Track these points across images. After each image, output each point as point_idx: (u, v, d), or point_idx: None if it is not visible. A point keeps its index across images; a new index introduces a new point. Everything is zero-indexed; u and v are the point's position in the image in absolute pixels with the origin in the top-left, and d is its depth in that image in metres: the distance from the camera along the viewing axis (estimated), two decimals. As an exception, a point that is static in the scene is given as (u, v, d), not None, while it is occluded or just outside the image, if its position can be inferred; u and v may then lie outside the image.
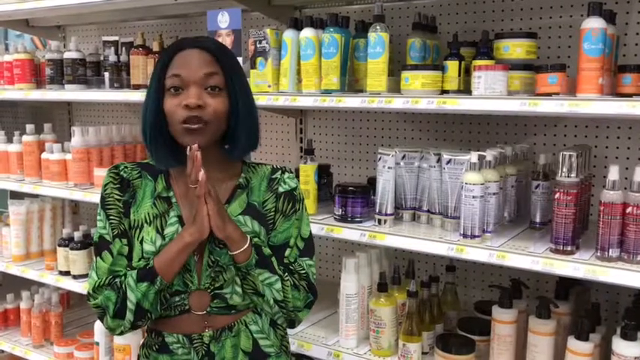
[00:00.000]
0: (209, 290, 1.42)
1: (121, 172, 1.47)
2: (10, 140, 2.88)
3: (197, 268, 1.42)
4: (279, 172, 1.53)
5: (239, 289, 1.43)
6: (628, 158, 1.92)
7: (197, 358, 1.43)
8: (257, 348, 1.47)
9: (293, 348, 2.07)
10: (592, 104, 1.48)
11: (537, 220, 1.83)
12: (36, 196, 2.85)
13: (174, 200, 1.45)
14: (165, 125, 1.39)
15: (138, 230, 1.42)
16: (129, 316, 1.38)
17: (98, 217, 1.46)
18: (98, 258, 1.42)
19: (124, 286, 1.37)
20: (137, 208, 1.44)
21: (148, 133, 1.41)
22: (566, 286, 1.85)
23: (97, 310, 1.42)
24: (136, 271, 1.38)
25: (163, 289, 1.38)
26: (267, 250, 1.42)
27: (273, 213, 1.47)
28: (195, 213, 1.35)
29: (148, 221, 1.42)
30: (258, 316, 1.48)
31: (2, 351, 3.10)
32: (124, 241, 1.43)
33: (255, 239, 1.42)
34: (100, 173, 2.50)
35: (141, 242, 1.41)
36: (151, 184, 1.47)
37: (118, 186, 1.45)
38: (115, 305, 1.38)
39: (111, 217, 1.44)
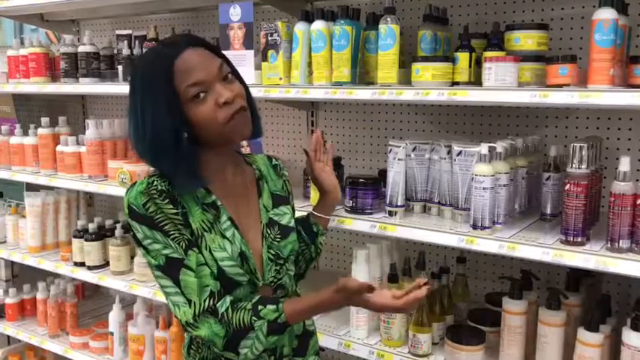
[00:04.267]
0: (272, 284, 1.45)
1: (158, 186, 1.34)
2: (25, 133, 2.92)
3: (257, 263, 1.42)
4: (273, 159, 1.62)
5: (291, 273, 1.52)
6: (640, 150, 1.91)
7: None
8: (304, 329, 1.54)
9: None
10: (603, 95, 1.48)
11: (548, 211, 1.83)
12: (51, 188, 2.88)
13: (219, 204, 1.40)
14: (186, 142, 1.32)
15: (202, 240, 1.35)
16: (249, 356, 1.34)
17: (147, 243, 1.33)
18: (181, 277, 1.32)
19: (237, 322, 1.31)
20: (192, 217, 1.36)
21: (170, 160, 1.32)
22: (577, 277, 1.85)
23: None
24: (265, 322, 1.31)
25: None
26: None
27: (287, 195, 1.59)
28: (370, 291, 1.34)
29: (207, 228, 1.36)
30: (297, 295, 1.54)
31: (19, 340, 3.16)
32: (196, 250, 1.34)
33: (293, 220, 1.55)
34: (114, 165, 2.53)
35: (210, 252, 1.35)
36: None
37: (166, 200, 1.33)
38: (224, 339, 1.32)
39: (171, 233, 1.32)
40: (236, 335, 1.31)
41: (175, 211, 1.33)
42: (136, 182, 1.38)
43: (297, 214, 2.01)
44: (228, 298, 1.35)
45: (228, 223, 1.39)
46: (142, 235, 1.34)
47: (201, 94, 1.30)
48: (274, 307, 1.33)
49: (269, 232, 1.46)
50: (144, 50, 2.46)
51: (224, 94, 1.31)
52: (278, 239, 1.46)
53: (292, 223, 1.54)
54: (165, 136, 1.31)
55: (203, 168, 1.38)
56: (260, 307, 1.33)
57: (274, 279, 1.45)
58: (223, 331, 1.31)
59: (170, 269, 1.32)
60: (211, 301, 1.32)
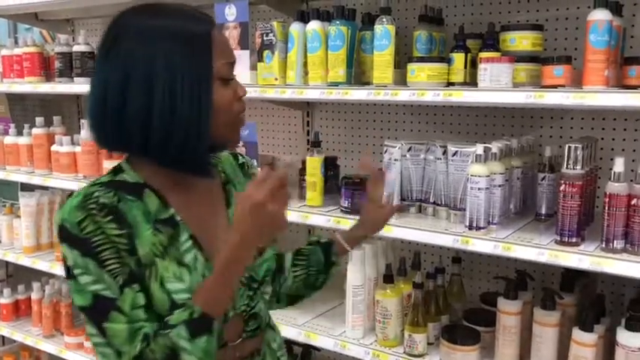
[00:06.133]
0: (244, 314, 1.21)
1: (101, 199, 1.07)
2: (20, 133, 2.91)
3: None
4: (239, 156, 1.38)
5: (266, 296, 1.28)
6: (634, 150, 1.92)
7: None
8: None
9: (300, 338, 2.09)
10: (597, 96, 1.49)
11: (543, 212, 1.84)
12: (46, 188, 2.88)
13: (178, 219, 1.13)
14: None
15: (150, 269, 1.08)
16: None
17: (76, 272, 1.04)
18: (107, 325, 1.03)
19: (157, 351, 1.02)
20: (140, 241, 1.08)
21: (197, 141, 1.09)
22: (572, 277, 1.85)
23: None
24: (182, 326, 1.02)
25: (220, 331, 1.06)
26: None
27: None
28: (258, 205, 0.98)
29: (159, 254, 1.09)
30: (273, 330, 1.34)
31: (14, 341, 3.15)
32: (136, 287, 1.06)
33: None
34: (109, 165, 2.52)
35: (161, 284, 1.08)
36: (137, 204, 1.11)
37: (110, 217, 1.06)
38: None
39: (108, 263, 1.04)
40: None
41: (119, 232, 1.06)
42: (72, 194, 1.12)
43: (293, 215, 2.02)
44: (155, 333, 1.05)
45: (189, 243, 1.13)
46: (71, 263, 1.05)
47: (231, 78, 1.14)
48: (182, 308, 1.06)
49: None
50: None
51: (242, 87, 1.17)
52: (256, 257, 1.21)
53: None
54: (207, 118, 1.08)
55: (159, 172, 1.13)
56: (168, 319, 1.05)
57: (247, 307, 1.21)
58: None
59: (96, 311, 1.05)
60: (144, 344, 1.03)
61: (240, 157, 1.37)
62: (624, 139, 1.94)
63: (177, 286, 1.09)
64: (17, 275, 3.32)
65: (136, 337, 1.04)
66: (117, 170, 1.17)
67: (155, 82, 1.04)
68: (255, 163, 2.11)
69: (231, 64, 1.14)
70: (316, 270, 1.43)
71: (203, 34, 1.09)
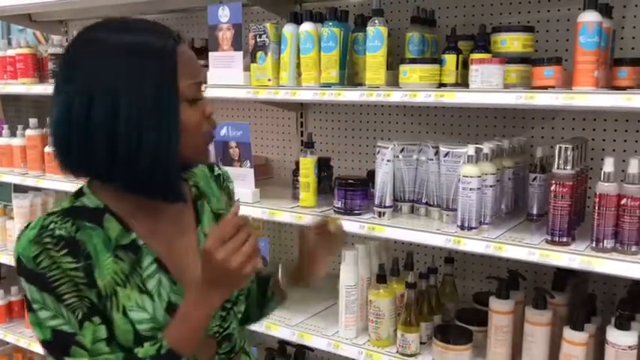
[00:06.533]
0: (217, 335, 1.19)
1: (57, 232, 1.03)
2: (13, 134, 2.90)
3: None
4: (216, 167, 1.34)
5: (239, 315, 1.24)
6: (625, 151, 1.93)
7: None
8: None
9: (294, 339, 2.10)
10: (586, 97, 1.50)
11: (534, 212, 1.85)
12: (39, 189, 2.87)
13: (141, 243, 1.10)
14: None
15: (113, 299, 1.05)
16: None
17: (36, 307, 1.02)
18: None
19: None
20: (100, 271, 1.05)
21: (165, 164, 1.05)
22: (563, 277, 1.87)
23: None
24: None
25: None
26: None
27: None
28: (236, 272, 0.99)
29: (120, 282, 1.06)
30: (248, 357, 1.30)
31: (7, 342, 3.14)
32: (97, 320, 1.04)
33: None
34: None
35: (124, 313, 1.05)
36: (97, 232, 1.07)
37: (65, 251, 1.02)
38: None
39: (65, 298, 1.01)
40: None
41: (75, 265, 1.02)
42: (29, 224, 1.07)
43: (286, 216, 2.03)
44: None
45: (153, 267, 1.10)
46: (30, 297, 1.03)
47: (199, 98, 1.09)
48: (152, 340, 1.06)
49: None
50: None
51: (209, 106, 1.12)
52: None
53: None
54: (169, 137, 1.04)
55: (122, 196, 1.10)
56: (137, 351, 1.05)
57: (220, 327, 1.18)
58: None
59: (57, 346, 1.03)
60: None
61: (216, 169, 1.33)
62: (614, 140, 1.96)
63: (141, 315, 1.06)
64: (10, 277, 3.31)
65: None
66: (78, 194, 1.13)
67: (119, 103, 1.00)
68: (249, 164, 2.12)
69: (199, 84, 1.09)
70: (255, 302, 1.38)
71: (168, 51, 1.04)
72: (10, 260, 2.90)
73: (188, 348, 1.05)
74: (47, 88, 2.70)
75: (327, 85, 1.95)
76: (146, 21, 1.11)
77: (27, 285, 1.03)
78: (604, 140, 1.97)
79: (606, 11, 1.65)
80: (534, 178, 1.82)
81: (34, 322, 1.04)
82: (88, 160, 1.04)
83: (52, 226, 1.04)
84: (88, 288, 1.03)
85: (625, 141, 1.94)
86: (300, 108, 2.56)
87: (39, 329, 1.04)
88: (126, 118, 1.00)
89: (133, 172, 1.04)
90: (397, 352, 1.91)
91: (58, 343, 1.03)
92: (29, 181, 2.78)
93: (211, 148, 2.25)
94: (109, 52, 1.03)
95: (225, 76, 2.14)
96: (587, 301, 1.82)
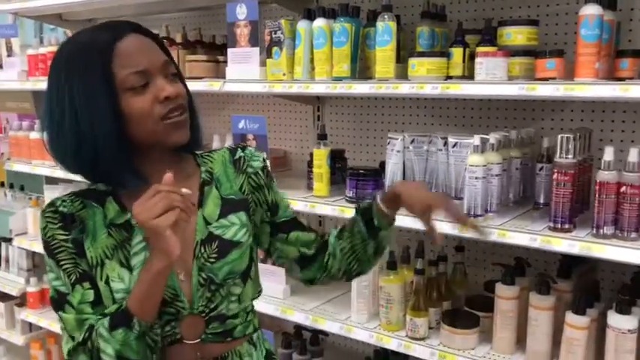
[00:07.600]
0: (204, 314, 1.23)
1: (60, 208, 1.21)
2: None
3: (185, 289, 1.21)
4: (239, 150, 1.36)
5: (234, 305, 1.27)
6: (633, 141, 1.96)
7: None
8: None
9: (308, 323, 2.18)
10: (586, 88, 1.55)
11: (541, 200, 1.89)
12: (70, 181, 3.00)
13: (134, 222, 1.18)
14: (124, 136, 1.16)
15: (99, 269, 1.19)
16: None
17: (48, 269, 1.23)
18: (61, 314, 1.19)
19: (95, 340, 1.13)
20: (92, 244, 1.20)
21: (107, 155, 1.14)
22: (569, 264, 1.91)
23: None
24: (107, 318, 1.13)
25: (146, 330, 1.13)
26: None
27: (251, 194, 1.33)
28: (155, 230, 1.06)
29: (109, 255, 1.19)
30: (253, 347, 1.33)
31: (40, 327, 3.30)
32: (86, 284, 1.19)
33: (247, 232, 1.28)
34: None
35: (107, 282, 1.18)
36: (99, 211, 1.22)
37: (59, 224, 1.19)
38: None
39: (62, 263, 1.19)
40: (98, 356, 1.14)
41: (66, 237, 1.19)
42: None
43: (300, 205, 2.11)
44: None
45: (142, 245, 1.19)
46: (45, 259, 1.23)
47: (141, 85, 1.14)
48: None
49: (203, 250, 1.22)
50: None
51: (166, 89, 1.15)
52: (212, 259, 1.22)
53: (240, 237, 1.26)
54: (106, 135, 1.13)
55: (143, 176, 1.20)
56: (105, 311, 1.17)
57: (205, 307, 1.23)
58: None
59: (56, 302, 1.20)
60: (86, 334, 1.15)
61: (238, 152, 1.35)
62: (623, 131, 1.98)
63: (118, 285, 1.18)
64: (43, 265, 3.45)
65: (82, 326, 1.17)
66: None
67: (64, 101, 1.15)
68: (265, 155, 2.20)
69: (141, 72, 1.14)
70: (361, 239, 1.34)
71: (102, 45, 1.14)
72: (42, 249, 3.03)
73: (142, 310, 1.12)
74: (76, 85, 2.82)
75: (339, 79, 2.02)
76: (103, 23, 1.22)
77: (44, 252, 1.23)
78: (612, 131, 2.00)
79: (609, 4, 1.68)
80: (541, 168, 1.86)
81: (48, 282, 1.24)
82: (62, 156, 1.20)
83: (58, 202, 1.22)
84: (79, 257, 1.20)
85: (633, 132, 1.96)
86: (317, 102, 2.64)
87: (50, 287, 1.23)
88: (68, 115, 1.14)
89: (81, 163, 1.18)
90: (406, 336, 1.98)
91: (57, 301, 1.20)
92: (58, 173, 2.90)
93: (229, 139, 2.37)
94: (57, 58, 1.20)
95: (242, 72, 2.23)
96: (590, 287, 1.86)
